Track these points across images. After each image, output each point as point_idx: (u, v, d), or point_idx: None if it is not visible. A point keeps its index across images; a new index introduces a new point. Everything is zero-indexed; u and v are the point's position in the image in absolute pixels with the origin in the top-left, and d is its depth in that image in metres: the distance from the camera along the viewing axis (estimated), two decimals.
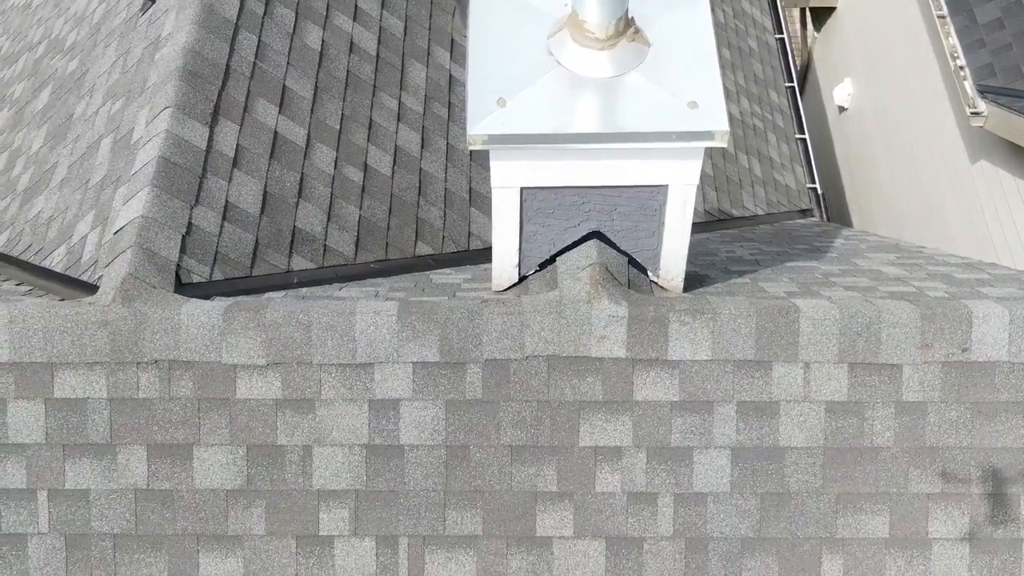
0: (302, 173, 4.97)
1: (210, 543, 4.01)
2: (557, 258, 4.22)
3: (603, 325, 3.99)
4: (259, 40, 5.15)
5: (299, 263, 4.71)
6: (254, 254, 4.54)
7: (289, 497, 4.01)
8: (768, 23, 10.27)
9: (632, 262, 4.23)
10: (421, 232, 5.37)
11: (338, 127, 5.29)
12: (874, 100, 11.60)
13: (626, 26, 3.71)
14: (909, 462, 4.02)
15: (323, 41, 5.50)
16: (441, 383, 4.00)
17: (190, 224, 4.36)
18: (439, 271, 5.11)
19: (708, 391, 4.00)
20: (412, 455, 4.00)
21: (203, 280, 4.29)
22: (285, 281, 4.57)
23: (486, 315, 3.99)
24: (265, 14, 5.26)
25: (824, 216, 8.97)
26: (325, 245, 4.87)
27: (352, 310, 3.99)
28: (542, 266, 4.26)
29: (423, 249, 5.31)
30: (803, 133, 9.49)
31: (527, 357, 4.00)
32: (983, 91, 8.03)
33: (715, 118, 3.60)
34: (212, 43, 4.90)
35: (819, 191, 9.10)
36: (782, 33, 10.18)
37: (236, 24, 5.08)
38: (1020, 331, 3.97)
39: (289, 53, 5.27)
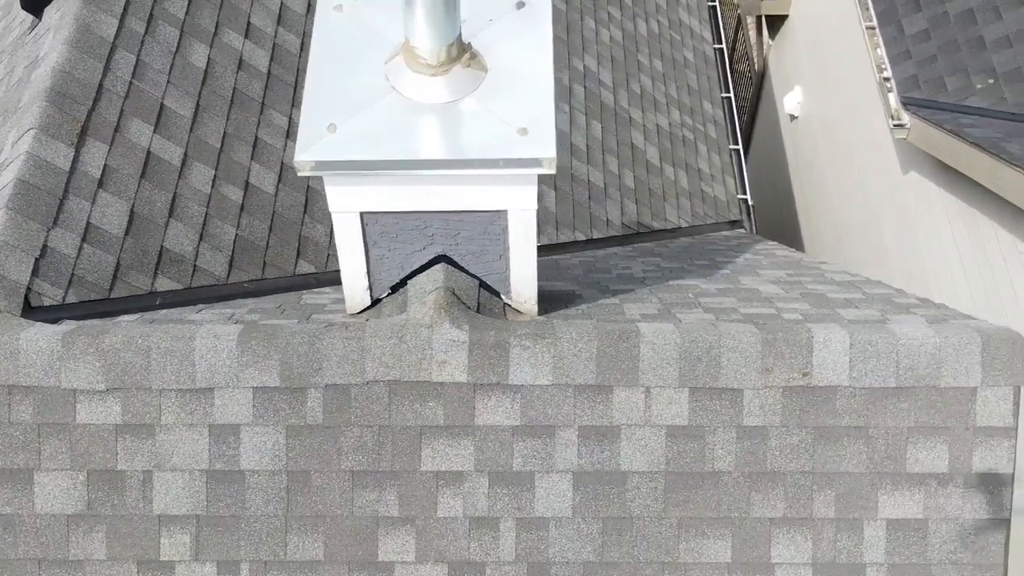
0: (175, 193, 4.97)
1: (51, 568, 4.01)
2: (408, 281, 4.21)
3: (444, 350, 3.98)
4: (137, 59, 5.14)
5: (164, 284, 4.71)
6: (114, 276, 4.54)
7: (130, 522, 4.01)
8: (707, 33, 10.26)
9: (484, 285, 4.23)
10: (304, 250, 5.36)
11: (219, 145, 5.28)
12: (821, 108, 11.61)
13: (460, 52, 3.71)
14: (751, 487, 4.02)
15: (209, 59, 5.49)
16: (281, 408, 4.00)
17: (45, 246, 4.35)
18: (316, 291, 5.11)
19: (549, 415, 3.99)
20: (253, 480, 4.00)
21: (55, 303, 4.28)
22: (146, 303, 4.57)
23: (326, 340, 3.99)
24: (146, 33, 5.25)
25: (753, 228, 8.96)
26: (195, 265, 4.86)
27: (192, 335, 3.99)
28: (394, 288, 4.26)
29: (304, 268, 5.31)
30: (736, 144, 9.48)
31: (368, 382, 3.99)
32: (907, 103, 8.03)
33: (542, 145, 3.60)
34: (85, 63, 4.89)
35: (749, 202, 9.10)
36: (720, 43, 10.16)
37: (113, 43, 5.07)
38: (861, 356, 3.96)
39: (170, 71, 5.26)
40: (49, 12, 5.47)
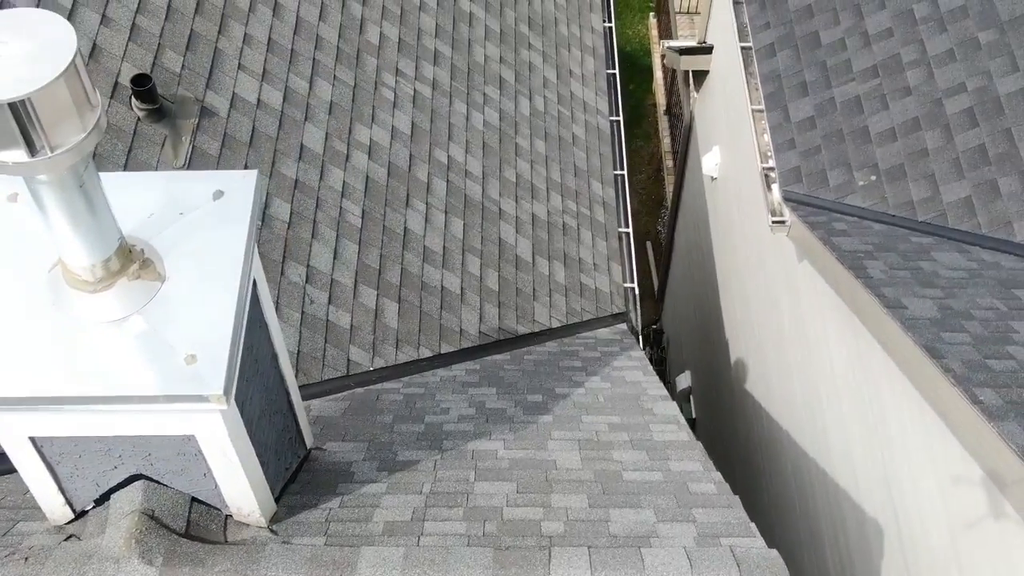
0: None
1: None
2: (111, 495, 3.72)
3: None
4: None
5: None
6: None
7: None
8: (604, 105, 9.78)
9: (196, 499, 3.74)
10: None
11: None
12: (734, 172, 11.15)
13: (124, 264, 3.22)
14: None
15: None
16: None
17: None
18: None
19: None
20: None
21: None
22: None
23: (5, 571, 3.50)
24: None
25: (637, 319, 8.49)
26: None
27: None
28: (99, 501, 3.77)
29: None
30: (627, 226, 9.01)
31: None
32: (788, 198, 7.57)
33: (209, 379, 3.10)
34: None
35: (635, 291, 8.62)
36: (617, 115, 9.68)
37: None
38: None
39: None
40: None
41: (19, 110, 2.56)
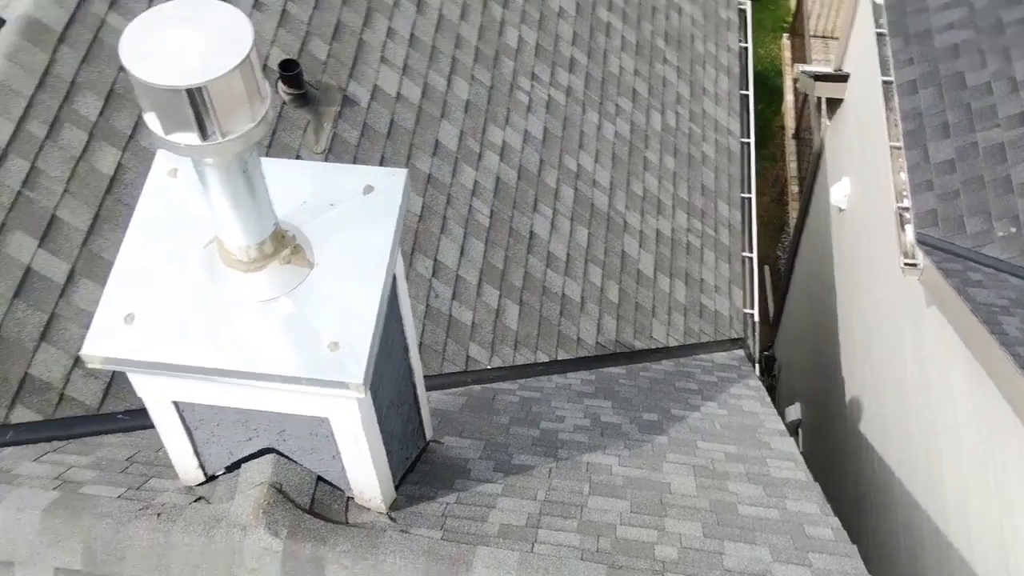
0: (53, 313, 4.67)
1: None
2: (242, 464, 3.83)
3: (255, 557, 3.58)
4: (32, 166, 4.86)
5: (22, 415, 4.41)
6: None
7: None
8: (735, 125, 9.69)
9: (323, 479, 3.83)
10: None
11: (115, 260, 4.95)
12: (864, 206, 10.92)
13: (277, 248, 3.30)
14: None
15: (119, 164, 5.19)
16: None
17: None
18: None
19: None
20: None
21: None
22: None
23: (131, 529, 3.62)
24: (47, 137, 4.97)
25: (755, 346, 8.38)
26: (62, 394, 4.55)
27: None
28: (229, 468, 3.88)
29: None
30: (751, 251, 8.90)
31: None
32: (922, 241, 7.38)
33: (350, 367, 3.17)
34: None
35: (755, 318, 8.51)
36: (748, 137, 9.57)
37: (5, 149, 4.80)
38: None
39: (69, 179, 4.97)
40: None
41: (195, 96, 2.65)
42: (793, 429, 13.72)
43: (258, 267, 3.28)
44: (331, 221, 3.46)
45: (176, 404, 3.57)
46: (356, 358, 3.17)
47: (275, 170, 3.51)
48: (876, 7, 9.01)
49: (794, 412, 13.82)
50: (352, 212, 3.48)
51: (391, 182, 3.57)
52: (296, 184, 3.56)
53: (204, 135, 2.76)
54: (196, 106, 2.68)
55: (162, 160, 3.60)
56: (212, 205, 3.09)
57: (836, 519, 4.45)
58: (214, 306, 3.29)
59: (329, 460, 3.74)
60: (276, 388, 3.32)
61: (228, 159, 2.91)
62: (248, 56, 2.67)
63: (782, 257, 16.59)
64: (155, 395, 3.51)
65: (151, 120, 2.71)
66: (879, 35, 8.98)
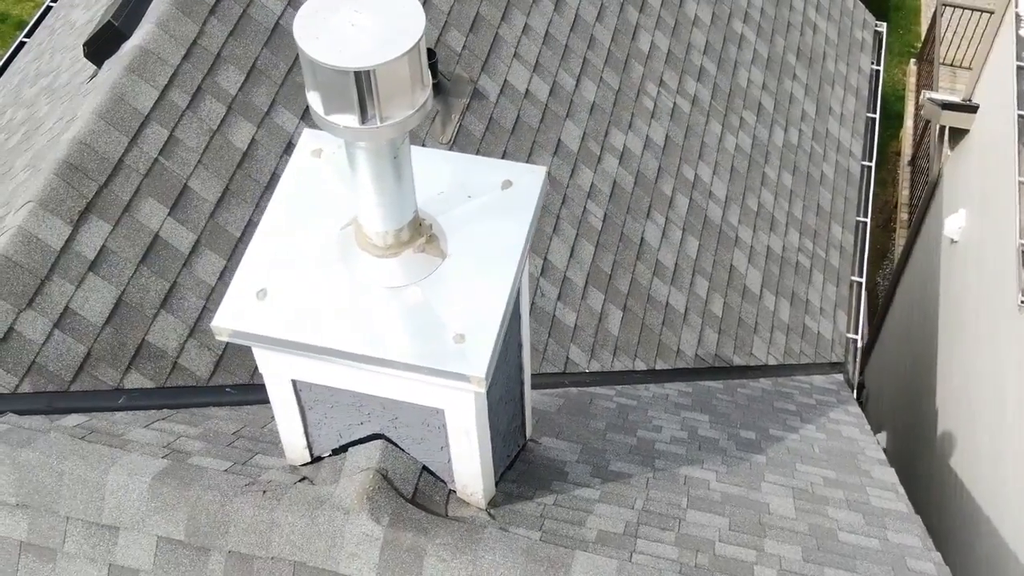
0: (175, 282, 4.79)
1: None
2: (349, 448, 3.89)
3: (356, 542, 3.63)
4: (170, 135, 4.99)
5: (136, 380, 4.54)
6: (80, 367, 4.39)
7: None
8: (857, 147, 9.51)
9: (427, 469, 3.86)
10: None
11: (239, 234, 5.08)
12: (979, 241, 10.63)
13: (413, 236, 3.34)
14: None
15: (253, 140, 5.30)
16: (182, 563, 3.74)
17: (11, 329, 4.24)
18: None
19: None
20: None
21: (6, 391, 4.16)
22: (107, 402, 4.40)
23: (237, 504, 3.70)
24: (188, 107, 5.10)
25: (855, 372, 8.23)
26: (175, 363, 4.68)
27: (108, 466, 3.77)
28: (336, 451, 3.94)
29: None
30: (861, 276, 8.74)
31: (272, 558, 3.69)
32: None
33: (474, 361, 3.19)
34: (109, 136, 4.77)
35: (858, 344, 8.35)
36: (869, 161, 9.39)
37: (147, 116, 4.94)
38: None
39: (204, 151, 5.09)
40: (109, 63, 5.39)
41: (362, 80, 2.69)
42: None
43: (392, 253, 3.32)
44: (467, 213, 3.48)
45: (294, 382, 3.63)
46: (480, 352, 3.19)
47: (416, 156, 3.54)
48: (1020, 40, 8.76)
49: (880, 441, 13.53)
50: (488, 206, 3.50)
51: (530, 179, 3.57)
52: (436, 173, 3.59)
53: (364, 119, 2.79)
54: (361, 89, 2.72)
55: (308, 139, 3.66)
56: (357, 188, 3.14)
57: (938, 554, 4.35)
58: (345, 288, 3.34)
59: (436, 451, 3.77)
60: (397, 375, 3.36)
61: (381, 144, 2.95)
62: (418, 44, 2.70)
63: (881, 283, 16.24)
64: (276, 371, 3.58)
65: (313, 99, 2.76)
66: (1020, 68, 8.72)
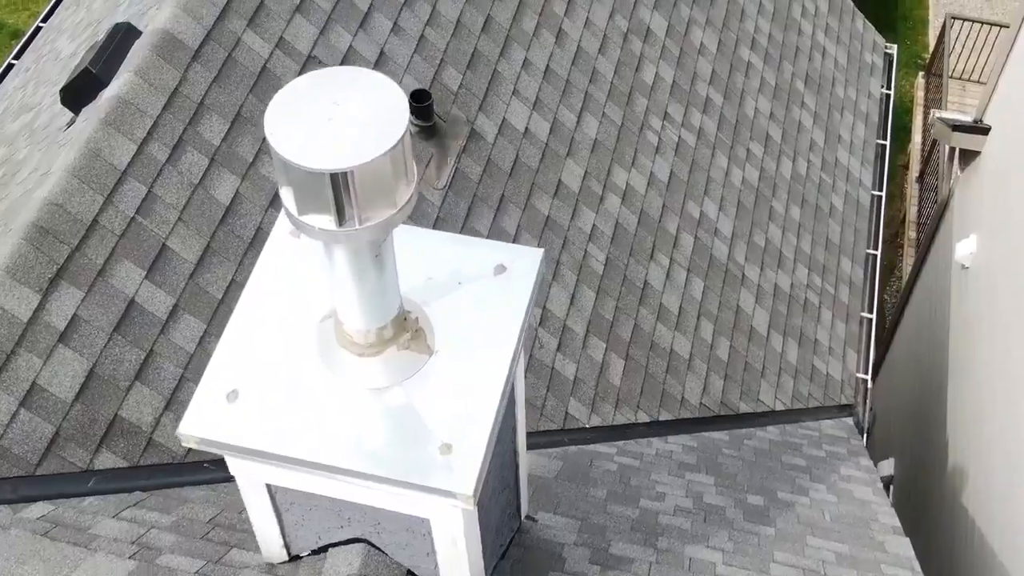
0: (151, 350, 4.53)
1: None
2: (329, 548, 3.62)
3: None
4: (149, 191, 4.72)
5: (107, 460, 4.27)
6: (48, 448, 4.13)
7: None
8: (867, 177, 9.23)
9: (413, 574, 3.60)
10: None
11: (220, 295, 4.81)
12: (992, 266, 10.34)
13: (397, 333, 3.07)
14: None
15: (236, 193, 5.03)
16: None
17: None
18: None
19: None
20: None
21: None
22: (76, 486, 4.13)
23: None
24: (168, 160, 4.83)
25: (865, 413, 7.95)
26: (150, 439, 4.41)
27: (69, 573, 3.51)
28: (315, 550, 3.67)
29: None
30: (871, 312, 8.47)
31: None
32: None
33: (462, 477, 2.92)
34: (83, 196, 4.51)
35: (868, 384, 8.09)
36: (880, 190, 9.11)
37: (124, 172, 4.67)
38: None
39: (184, 207, 4.83)
40: (86, 111, 5.14)
41: (339, 181, 2.42)
42: (885, 485, 13.16)
43: (374, 352, 3.06)
44: (456, 302, 3.21)
45: (268, 486, 3.37)
46: (468, 467, 2.92)
47: (402, 239, 3.28)
48: None
49: (887, 467, 13.27)
50: (479, 294, 3.24)
51: (525, 263, 3.31)
52: (423, 256, 3.32)
53: (341, 221, 2.52)
54: (338, 190, 2.45)
55: (285, 219, 3.39)
56: (335, 285, 2.87)
57: None
58: (323, 391, 3.08)
59: (423, 557, 3.51)
60: (377, 487, 3.09)
61: (361, 244, 2.68)
62: (402, 139, 2.42)
63: (889, 303, 15.97)
64: (248, 476, 3.32)
65: (286, 196, 2.48)
66: None
